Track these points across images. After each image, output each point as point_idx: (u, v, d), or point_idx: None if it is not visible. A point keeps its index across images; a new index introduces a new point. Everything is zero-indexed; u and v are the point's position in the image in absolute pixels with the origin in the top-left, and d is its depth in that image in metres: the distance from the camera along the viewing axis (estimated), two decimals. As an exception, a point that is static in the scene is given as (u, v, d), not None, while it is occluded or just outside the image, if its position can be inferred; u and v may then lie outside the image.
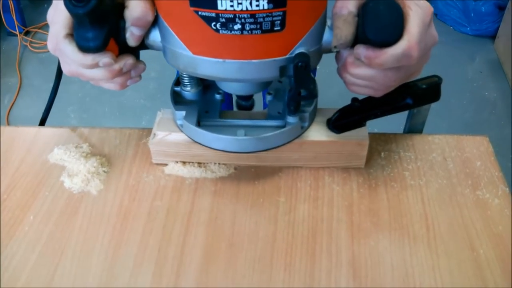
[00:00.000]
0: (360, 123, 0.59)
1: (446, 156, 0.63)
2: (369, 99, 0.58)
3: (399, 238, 0.54)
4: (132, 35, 0.49)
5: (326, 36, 0.50)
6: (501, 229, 0.55)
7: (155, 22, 0.50)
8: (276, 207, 0.58)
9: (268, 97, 0.61)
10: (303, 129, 0.59)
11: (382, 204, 0.58)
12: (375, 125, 0.65)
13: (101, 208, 0.58)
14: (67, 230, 0.56)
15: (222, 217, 0.57)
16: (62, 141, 0.67)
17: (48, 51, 0.54)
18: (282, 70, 0.49)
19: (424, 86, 0.58)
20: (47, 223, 0.57)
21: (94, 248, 0.54)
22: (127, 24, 0.48)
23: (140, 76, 0.55)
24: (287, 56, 0.48)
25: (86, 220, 0.57)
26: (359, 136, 0.59)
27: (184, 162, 0.62)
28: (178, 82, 0.62)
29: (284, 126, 0.57)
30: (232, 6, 0.43)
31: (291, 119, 0.57)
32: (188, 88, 0.61)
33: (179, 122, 0.59)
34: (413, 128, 0.66)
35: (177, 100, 0.61)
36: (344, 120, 0.59)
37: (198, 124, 0.58)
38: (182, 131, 0.59)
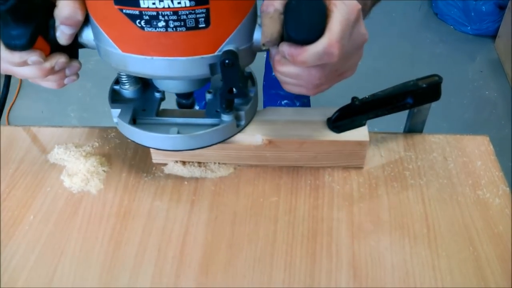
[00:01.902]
0: (360, 123, 0.59)
1: (446, 156, 0.63)
2: (369, 98, 0.58)
3: (400, 238, 0.54)
4: (62, 34, 0.48)
5: (257, 34, 0.50)
6: (501, 228, 0.55)
7: (88, 21, 0.49)
8: (276, 207, 0.58)
9: (208, 96, 0.61)
10: (239, 128, 0.58)
11: (382, 204, 0.58)
12: (375, 124, 0.65)
13: (101, 208, 0.58)
14: (67, 230, 0.56)
15: (222, 217, 0.57)
16: (62, 140, 0.67)
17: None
18: (212, 68, 0.49)
19: (424, 86, 0.58)
20: (46, 223, 0.57)
21: (93, 248, 0.54)
22: (57, 23, 0.48)
23: (77, 75, 0.54)
24: (215, 53, 0.48)
25: (85, 220, 0.57)
26: (359, 136, 0.59)
27: (184, 162, 0.62)
28: (118, 80, 0.61)
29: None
30: (154, 3, 0.43)
31: (225, 118, 0.56)
32: (127, 86, 0.60)
33: (115, 120, 0.59)
34: (414, 128, 0.66)
35: (116, 98, 0.61)
36: (344, 119, 0.59)
37: (134, 122, 0.58)
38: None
